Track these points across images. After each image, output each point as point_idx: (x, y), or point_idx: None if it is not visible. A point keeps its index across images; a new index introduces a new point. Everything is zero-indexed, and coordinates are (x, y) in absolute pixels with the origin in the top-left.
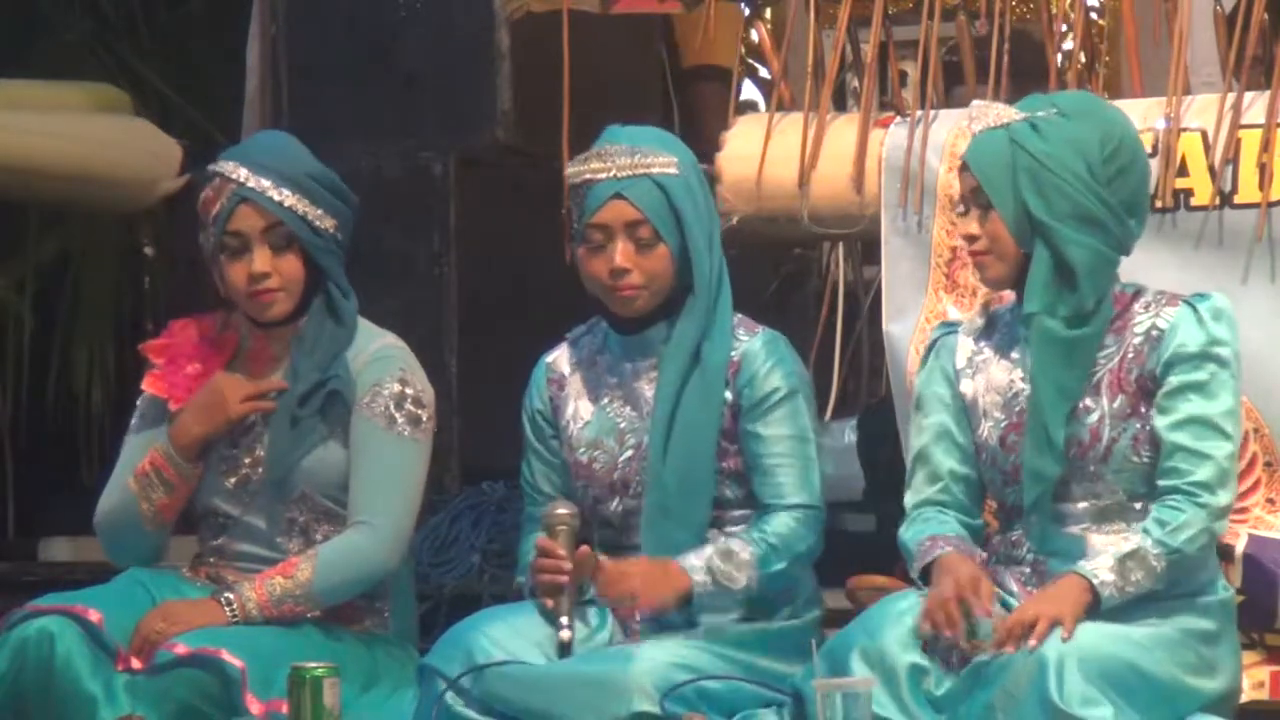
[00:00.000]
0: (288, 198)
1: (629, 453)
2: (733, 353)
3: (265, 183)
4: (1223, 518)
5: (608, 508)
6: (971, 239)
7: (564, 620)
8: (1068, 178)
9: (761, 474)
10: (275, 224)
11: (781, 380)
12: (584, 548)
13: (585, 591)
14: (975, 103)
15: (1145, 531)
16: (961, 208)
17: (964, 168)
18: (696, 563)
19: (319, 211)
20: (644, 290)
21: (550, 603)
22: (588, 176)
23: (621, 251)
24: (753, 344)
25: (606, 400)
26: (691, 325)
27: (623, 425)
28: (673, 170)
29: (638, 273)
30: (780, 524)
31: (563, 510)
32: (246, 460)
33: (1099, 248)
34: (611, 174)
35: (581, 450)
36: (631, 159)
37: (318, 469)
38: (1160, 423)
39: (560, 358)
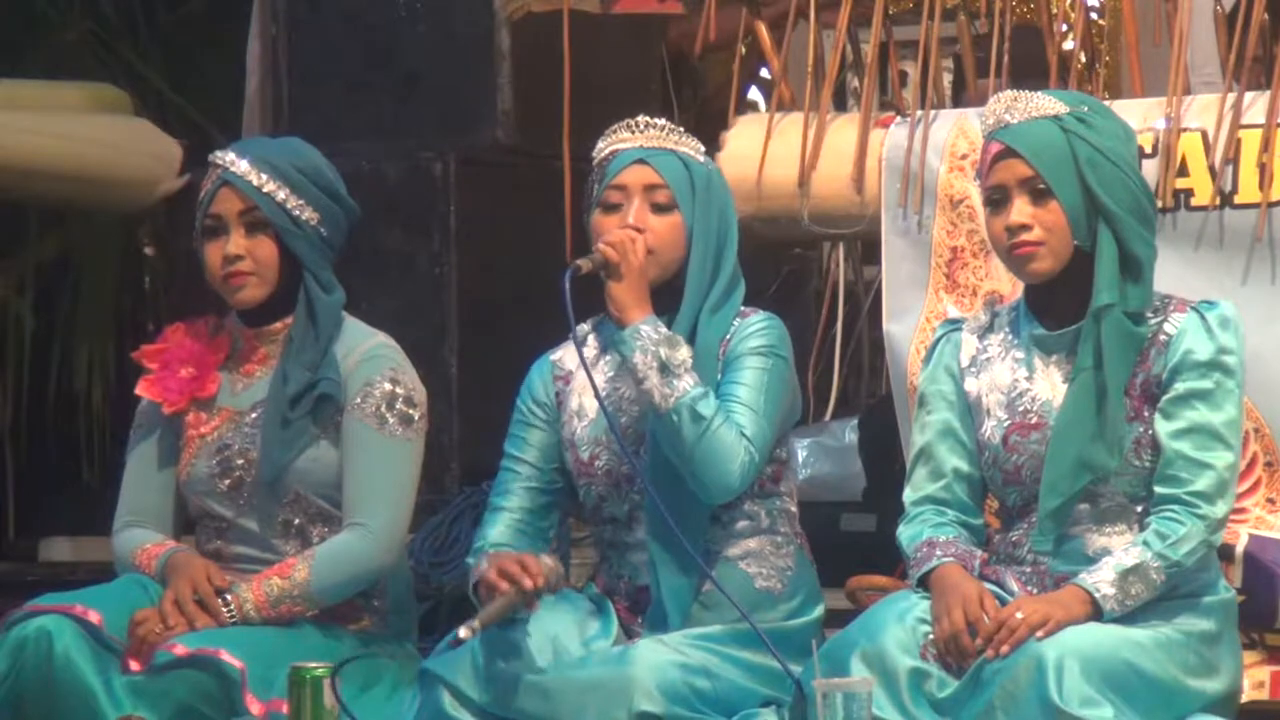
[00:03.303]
0: (267, 183)
1: (631, 447)
2: (726, 335)
3: (246, 166)
4: (1220, 529)
5: (613, 505)
6: (1019, 229)
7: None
8: (1126, 169)
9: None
10: (251, 207)
11: (763, 340)
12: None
13: (517, 613)
14: (1001, 94)
15: (1145, 544)
16: (994, 199)
17: (1003, 155)
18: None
19: (300, 201)
20: (651, 256)
21: (485, 595)
22: (615, 147)
23: (637, 211)
24: (749, 319)
25: (609, 395)
26: (689, 310)
27: (625, 420)
28: (699, 157)
29: (650, 234)
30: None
31: (549, 560)
32: (239, 462)
33: (1153, 242)
34: (639, 144)
35: (584, 448)
36: (661, 133)
37: (311, 469)
38: (1163, 428)
39: (566, 355)
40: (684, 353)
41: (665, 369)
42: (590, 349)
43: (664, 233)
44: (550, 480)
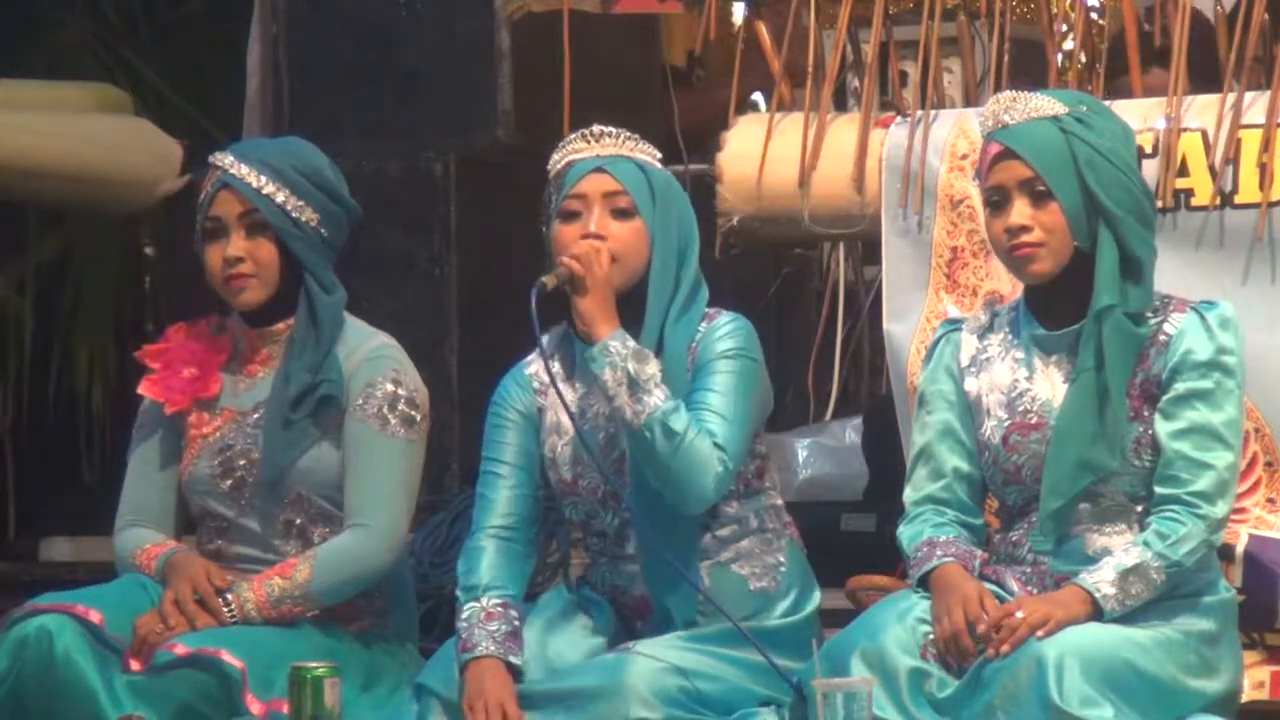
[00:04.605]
0: (266, 185)
1: (612, 465)
2: (693, 341)
3: (245, 169)
4: (1221, 529)
5: (602, 522)
6: (1019, 230)
7: None
8: (1125, 170)
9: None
10: (251, 209)
11: (731, 343)
12: None
13: None
14: (1000, 95)
15: (1146, 544)
16: (994, 200)
17: (1003, 156)
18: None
19: (299, 203)
20: (615, 264)
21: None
22: (570, 158)
23: (598, 219)
24: (715, 321)
25: (583, 411)
26: (655, 317)
27: (603, 436)
28: (655, 163)
29: (614, 241)
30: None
31: None
32: (241, 462)
33: (1153, 243)
34: (595, 153)
35: (565, 468)
36: (616, 141)
37: (312, 469)
38: (1163, 429)
39: (540, 369)
40: (653, 367)
41: (634, 385)
42: (556, 365)
43: (627, 239)
44: (536, 486)
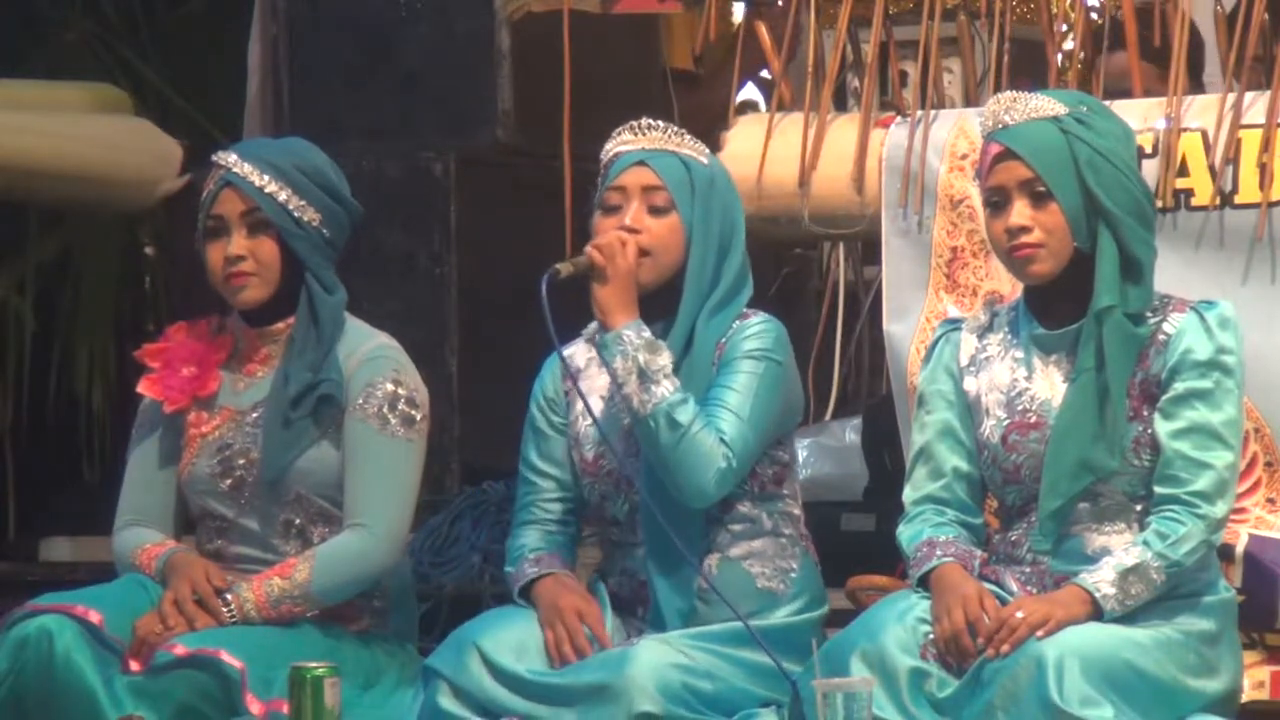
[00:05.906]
0: (268, 184)
1: (631, 449)
2: (723, 338)
3: (248, 168)
4: (1220, 529)
5: (615, 505)
6: (1019, 231)
7: None
8: (1125, 170)
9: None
10: (253, 208)
11: (758, 344)
12: None
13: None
14: (1000, 95)
15: (1145, 544)
16: (994, 201)
17: (1003, 157)
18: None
19: (301, 202)
20: (648, 258)
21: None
22: (618, 149)
23: (635, 212)
24: (748, 321)
25: (612, 396)
26: (688, 312)
27: (628, 422)
28: (702, 159)
29: (647, 236)
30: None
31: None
32: (240, 462)
33: (1153, 243)
34: (641, 146)
35: (588, 447)
36: (664, 135)
37: (312, 470)
38: (1162, 428)
39: (577, 352)
40: (664, 359)
41: (644, 375)
42: (593, 349)
43: (661, 234)
44: (572, 488)
